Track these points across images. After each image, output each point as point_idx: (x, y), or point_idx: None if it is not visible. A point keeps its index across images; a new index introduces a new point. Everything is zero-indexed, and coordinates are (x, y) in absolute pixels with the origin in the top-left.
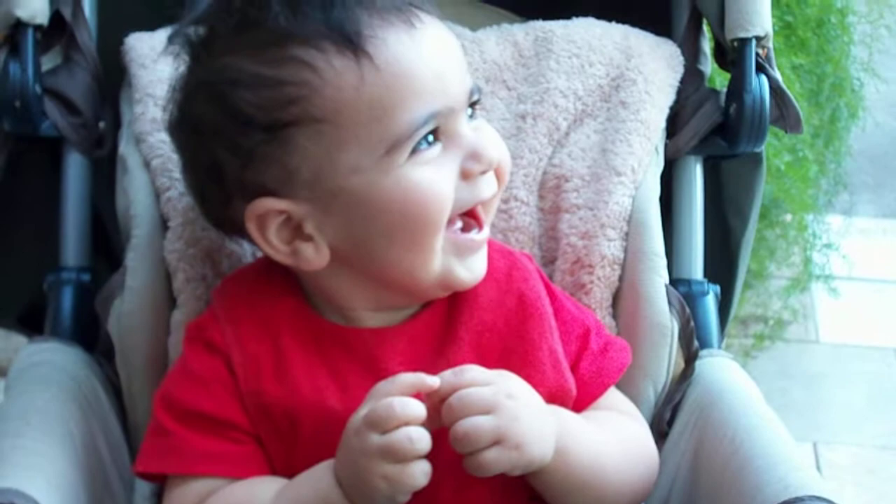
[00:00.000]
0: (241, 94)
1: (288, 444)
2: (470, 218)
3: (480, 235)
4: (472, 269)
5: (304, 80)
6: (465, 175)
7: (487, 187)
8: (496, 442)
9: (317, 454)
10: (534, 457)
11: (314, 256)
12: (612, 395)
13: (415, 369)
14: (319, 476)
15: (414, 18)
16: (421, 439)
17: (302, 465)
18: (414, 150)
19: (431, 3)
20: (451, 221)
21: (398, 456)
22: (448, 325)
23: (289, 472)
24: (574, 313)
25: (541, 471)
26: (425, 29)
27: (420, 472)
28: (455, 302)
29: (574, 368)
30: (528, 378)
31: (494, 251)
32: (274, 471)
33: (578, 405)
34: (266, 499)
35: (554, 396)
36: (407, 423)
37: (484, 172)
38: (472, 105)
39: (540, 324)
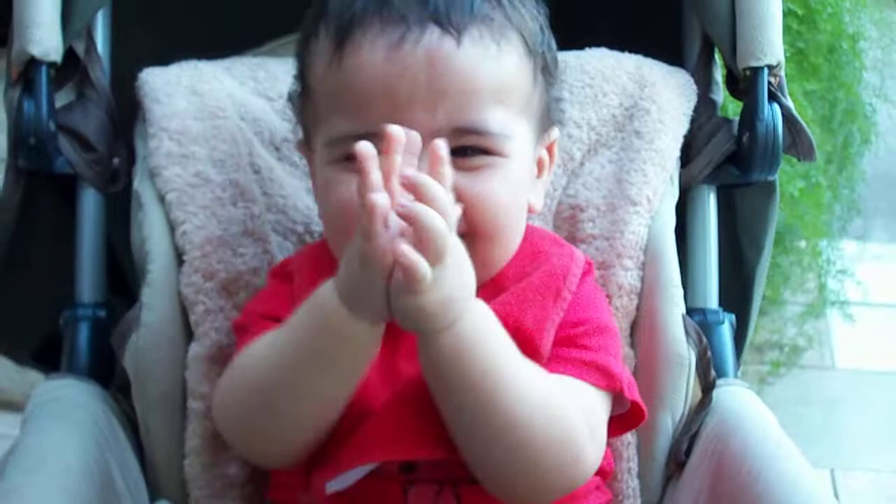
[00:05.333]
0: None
1: None
2: None
3: None
4: None
5: (308, 51)
6: None
7: None
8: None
9: None
10: (443, 300)
11: None
12: (572, 384)
13: None
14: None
15: (414, 37)
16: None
17: None
18: (350, 157)
19: (481, 24)
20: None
21: (367, 231)
22: None
23: None
24: (599, 317)
25: (434, 341)
26: (415, 52)
27: (386, 243)
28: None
29: (557, 342)
30: (503, 303)
31: (546, 239)
32: None
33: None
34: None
35: (519, 334)
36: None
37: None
38: (463, 148)
39: (546, 279)
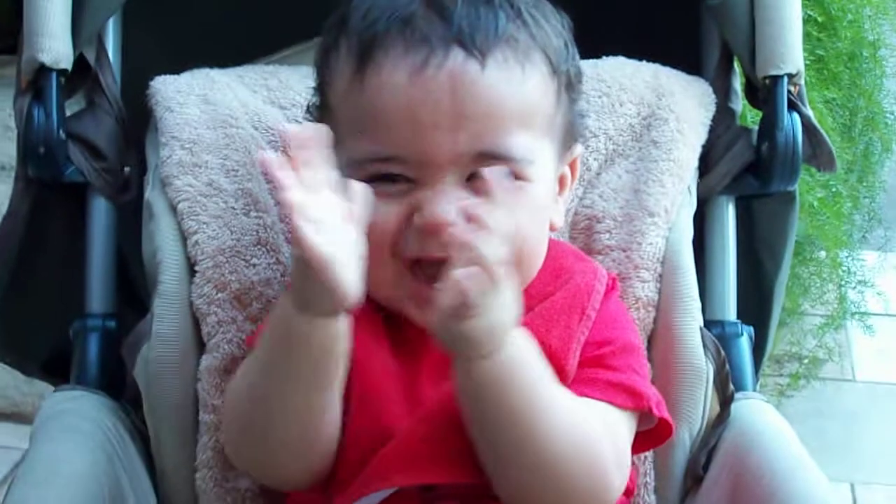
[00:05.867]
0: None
1: None
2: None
3: None
4: (431, 317)
5: (328, 66)
6: (408, 223)
7: (436, 248)
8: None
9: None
10: (491, 325)
11: None
12: (598, 407)
13: (442, 357)
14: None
15: (438, 60)
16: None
17: None
18: (372, 179)
19: (505, 47)
20: (412, 266)
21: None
22: None
23: None
24: (625, 336)
25: (474, 367)
26: (438, 76)
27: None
28: None
29: (584, 362)
30: (528, 324)
31: (569, 255)
32: None
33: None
34: None
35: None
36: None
37: (426, 228)
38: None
39: (569, 298)
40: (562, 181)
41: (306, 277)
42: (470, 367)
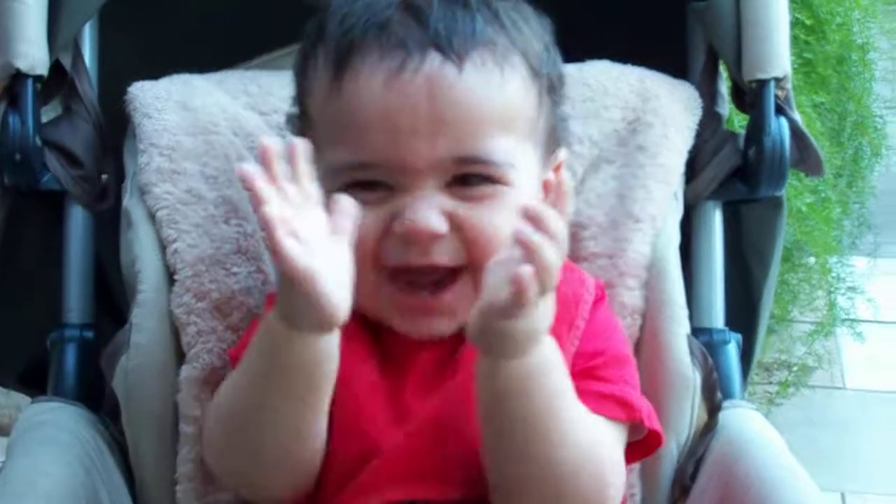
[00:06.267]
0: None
1: None
2: (419, 278)
3: (428, 300)
4: (414, 326)
5: (306, 75)
6: (388, 231)
7: (417, 255)
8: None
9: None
10: (536, 328)
11: None
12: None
13: (428, 370)
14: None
15: (414, 64)
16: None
17: None
18: (350, 187)
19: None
20: (394, 274)
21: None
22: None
23: None
24: (616, 346)
25: (504, 367)
26: (415, 80)
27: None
28: None
29: (575, 374)
30: None
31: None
32: None
33: None
34: None
35: None
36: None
37: (407, 235)
38: (465, 176)
39: (557, 309)
40: (547, 186)
41: (291, 292)
42: (498, 365)
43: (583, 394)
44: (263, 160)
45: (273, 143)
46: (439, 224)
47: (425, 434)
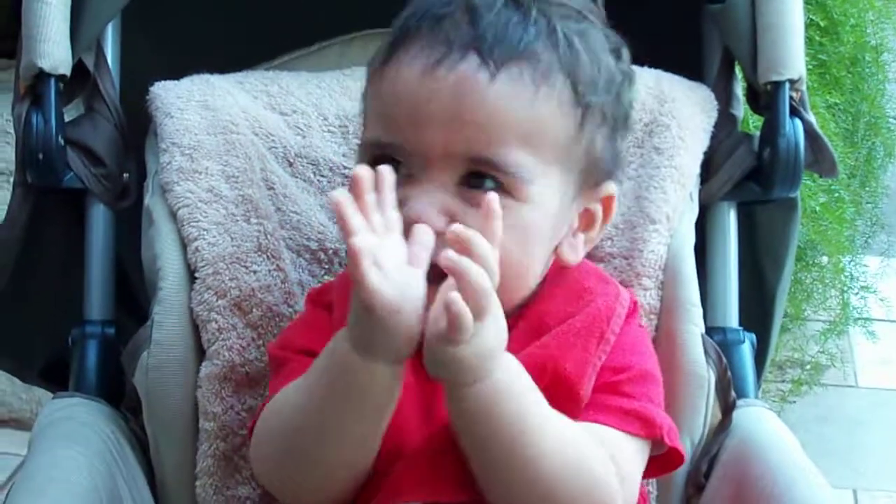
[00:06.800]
0: None
1: None
2: None
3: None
4: None
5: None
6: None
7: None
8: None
9: None
10: (482, 352)
11: None
12: (609, 434)
13: None
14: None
15: (451, 62)
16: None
17: None
18: (376, 160)
19: (524, 58)
20: None
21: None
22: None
23: None
24: (643, 363)
25: (464, 393)
26: (447, 77)
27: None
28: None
29: (599, 388)
30: (544, 346)
31: (592, 276)
32: None
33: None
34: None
35: (558, 380)
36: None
37: (406, 224)
38: (477, 174)
39: (589, 321)
40: (589, 217)
41: (369, 323)
42: (459, 392)
43: (604, 408)
44: (355, 190)
45: (365, 172)
46: (435, 221)
47: (445, 438)
